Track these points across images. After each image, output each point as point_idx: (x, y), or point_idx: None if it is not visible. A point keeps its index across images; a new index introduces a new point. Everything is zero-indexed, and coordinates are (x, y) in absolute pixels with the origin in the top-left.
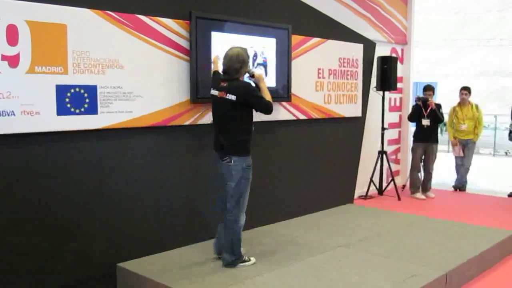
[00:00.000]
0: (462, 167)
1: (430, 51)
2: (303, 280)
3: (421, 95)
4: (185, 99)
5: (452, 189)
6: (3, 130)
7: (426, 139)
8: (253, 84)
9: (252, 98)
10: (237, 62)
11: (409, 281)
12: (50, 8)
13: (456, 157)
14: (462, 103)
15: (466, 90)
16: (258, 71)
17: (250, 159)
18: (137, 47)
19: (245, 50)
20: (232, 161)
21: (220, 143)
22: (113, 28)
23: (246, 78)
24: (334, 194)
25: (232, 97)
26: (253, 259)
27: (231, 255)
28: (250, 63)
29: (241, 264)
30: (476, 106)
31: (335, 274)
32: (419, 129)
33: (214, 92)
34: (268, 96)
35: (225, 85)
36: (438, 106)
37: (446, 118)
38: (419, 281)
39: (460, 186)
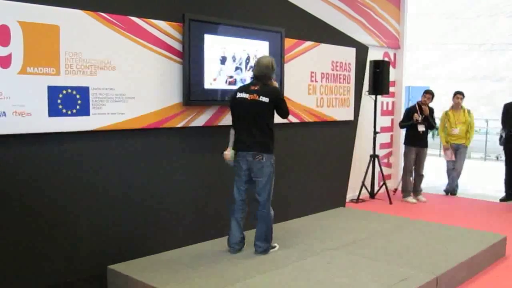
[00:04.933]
0: (453, 171)
1: (420, 55)
2: (293, 282)
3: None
4: (178, 101)
5: (443, 193)
6: None
7: (419, 143)
8: None
9: (281, 101)
10: (271, 69)
11: (400, 285)
12: (43, 9)
13: (447, 161)
14: (456, 107)
15: (460, 94)
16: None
17: (274, 156)
18: (130, 48)
19: (270, 57)
20: (264, 158)
21: (251, 142)
22: (106, 30)
23: None
24: (325, 197)
25: (265, 99)
26: (277, 245)
27: (265, 243)
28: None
29: (272, 250)
30: (468, 111)
31: (325, 276)
32: (413, 133)
33: (243, 95)
34: None
35: (256, 88)
36: (431, 110)
37: (437, 123)
38: (410, 284)
39: (451, 190)
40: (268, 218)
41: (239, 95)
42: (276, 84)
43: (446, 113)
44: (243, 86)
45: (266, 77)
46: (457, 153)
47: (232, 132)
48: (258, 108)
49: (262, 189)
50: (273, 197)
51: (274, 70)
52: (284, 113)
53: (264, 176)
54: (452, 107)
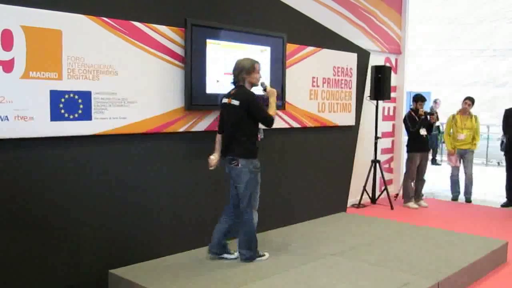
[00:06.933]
0: (465, 179)
1: (422, 61)
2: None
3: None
4: (180, 106)
5: (445, 198)
6: None
7: (423, 148)
8: (265, 96)
9: (252, 106)
10: (237, 69)
11: None
12: (46, 13)
13: (452, 168)
14: (463, 112)
15: (470, 100)
16: (271, 87)
17: (257, 161)
18: (132, 53)
19: (248, 59)
20: (240, 164)
21: (228, 146)
22: (108, 35)
23: (261, 91)
24: (327, 202)
25: (236, 103)
26: (267, 254)
27: (248, 251)
28: (264, 77)
29: (258, 258)
30: (475, 117)
31: (326, 282)
32: (416, 138)
33: (224, 99)
34: (271, 111)
35: (233, 92)
36: (429, 114)
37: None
38: None
39: (466, 197)
40: (247, 225)
41: (223, 100)
42: (269, 88)
43: (453, 117)
44: (229, 91)
45: (240, 79)
46: (463, 159)
47: (218, 137)
48: (232, 112)
49: (242, 195)
50: (274, 202)
51: (247, 70)
52: (262, 120)
53: (242, 182)
54: (460, 112)
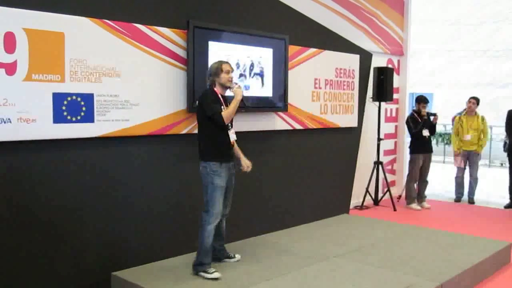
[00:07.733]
0: (471, 180)
1: (425, 62)
2: None
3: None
4: (182, 108)
5: (448, 200)
6: None
7: (426, 149)
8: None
9: (203, 103)
10: (211, 73)
11: None
12: (48, 16)
13: (458, 168)
14: (469, 112)
15: (474, 99)
16: (239, 88)
17: (215, 164)
18: (134, 56)
19: (216, 62)
20: (200, 166)
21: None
22: (111, 37)
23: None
24: (329, 204)
25: (197, 102)
26: (215, 275)
27: (196, 256)
28: (236, 77)
29: (201, 273)
30: (482, 118)
31: (329, 284)
32: (419, 140)
33: None
34: (226, 111)
35: None
36: (432, 114)
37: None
38: None
39: (469, 199)
40: (200, 231)
41: None
42: (239, 88)
43: (460, 118)
44: None
45: (211, 82)
46: (469, 161)
47: None
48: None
49: (204, 197)
50: (277, 204)
51: (214, 73)
52: (210, 116)
53: (203, 185)
54: (466, 112)
